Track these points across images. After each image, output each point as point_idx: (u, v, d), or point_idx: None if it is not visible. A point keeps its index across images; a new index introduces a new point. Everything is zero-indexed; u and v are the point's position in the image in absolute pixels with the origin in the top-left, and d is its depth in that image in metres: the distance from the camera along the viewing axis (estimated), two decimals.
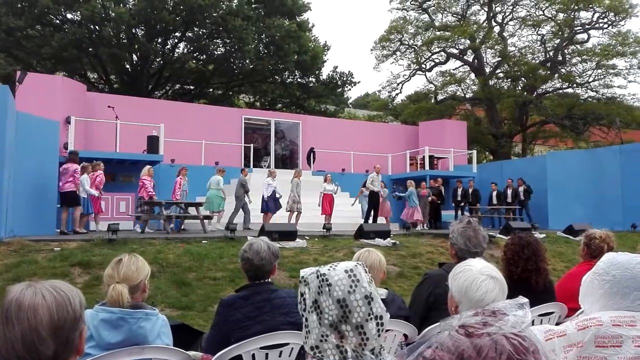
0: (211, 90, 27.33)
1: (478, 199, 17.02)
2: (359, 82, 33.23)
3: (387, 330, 2.61)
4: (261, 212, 12.78)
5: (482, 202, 17.34)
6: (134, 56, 23.37)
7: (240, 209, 12.59)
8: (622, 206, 15.63)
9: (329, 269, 1.40)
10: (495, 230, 13.51)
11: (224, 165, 16.04)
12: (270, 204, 12.72)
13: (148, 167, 12.20)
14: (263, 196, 12.72)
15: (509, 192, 16.75)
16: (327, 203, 13.51)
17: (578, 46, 26.33)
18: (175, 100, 22.99)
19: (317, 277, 1.39)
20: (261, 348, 2.40)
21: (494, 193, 17.08)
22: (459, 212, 16.85)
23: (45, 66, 22.13)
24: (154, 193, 11.85)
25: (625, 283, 1.80)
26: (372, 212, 13.50)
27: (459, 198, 16.79)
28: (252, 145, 18.82)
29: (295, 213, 12.94)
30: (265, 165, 19.10)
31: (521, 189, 16.47)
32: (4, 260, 7.33)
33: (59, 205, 10.71)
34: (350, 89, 34.29)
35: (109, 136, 14.59)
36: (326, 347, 1.34)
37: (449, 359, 1.43)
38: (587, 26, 25.76)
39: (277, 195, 12.85)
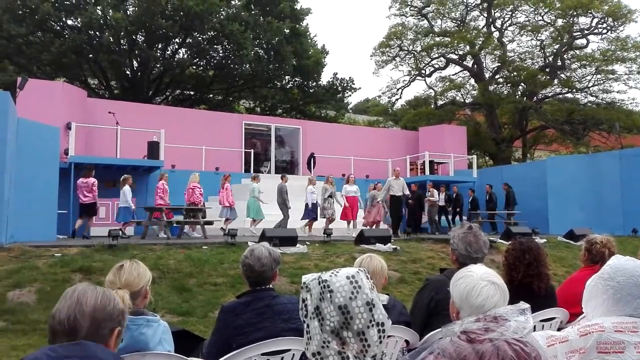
0: (211, 95, 27.36)
1: (460, 204, 16.99)
2: (360, 88, 33.30)
3: (388, 337, 2.61)
4: (302, 218, 12.83)
5: (464, 208, 17.34)
6: (134, 62, 23.40)
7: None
8: (622, 211, 15.63)
9: (330, 275, 1.40)
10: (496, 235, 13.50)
11: (224, 170, 16.07)
12: (313, 211, 12.85)
13: (197, 174, 12.75)
14: (307, 204, 12.82)
15: (487, 198, 17.03)
16: (350, 207, 13.14)
17: (577, 51, 26.40)
18: (176, 105, 23.05)
19: (319, 283, 1.39)
20: (262, 354, 2.39)
21: (469, 199, 17.11)
22: (442, 217, 16.83)
23: (45, 72, 22.17)
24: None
25: (629, 290, 1.80)
26: (396, 217, 13.22)
27: (441, 203, 16.72)
28: (252, 150, 18.84)
29: (327, 219, 12.94)
30: (265, 171, 19.11)
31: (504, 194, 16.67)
32: (4, 266, 7.32)
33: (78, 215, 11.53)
34: (350, 95, 34.34)
35: (110, 142, 14.61)
36: (328, 354, 1.34)
37: None
38: (586, 32, 25.83)
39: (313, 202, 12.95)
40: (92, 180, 11.38)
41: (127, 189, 11.80)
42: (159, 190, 12.20)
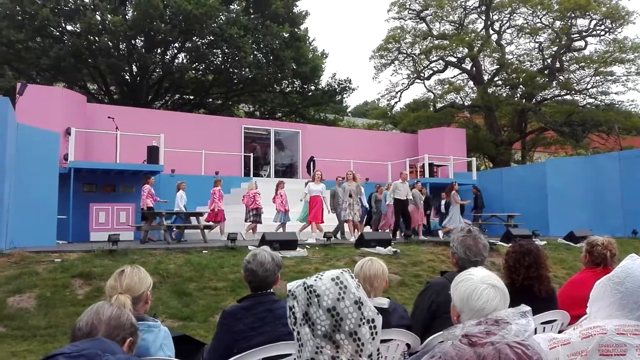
0: (211, 100, 27.40)
1: (429, 206, 16.89)
2: (357, 87, 33.36)
3: (389, 340, 2.60)
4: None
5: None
6: (134, 67, 23.43)
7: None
8: (622, 212, 15.62)
9: (315, 280, 1.39)
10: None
11: (223, 174, 16.06)
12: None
13: (253, 181, 13.04)
14: None
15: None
16: (313, 207, 12.11)
17: (575, 53, 26.45)
18: (175, 110, 23.04)
19: (305, 289, 1.38)
20: (264, 359, 2.39)
21: (443, 202, 17.05)
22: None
23: (44, 77, 22.20)
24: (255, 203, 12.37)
25: (636, 298, 1.79)
26: (402, 220, 12.98)
27: None
28: (252, 154, 18.84)
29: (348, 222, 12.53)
30: (265, 175, 19.10)
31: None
32: (4, 272, 7.31)
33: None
34: (348, 96, 34.42)
35: (109, 147, 14.61)
36: None
37: None
38: (584, 33, 25.90)
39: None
40: (145, 187, 12.33)
41: (180, 193, 12.31)
42: (215, 195, 12.59)
